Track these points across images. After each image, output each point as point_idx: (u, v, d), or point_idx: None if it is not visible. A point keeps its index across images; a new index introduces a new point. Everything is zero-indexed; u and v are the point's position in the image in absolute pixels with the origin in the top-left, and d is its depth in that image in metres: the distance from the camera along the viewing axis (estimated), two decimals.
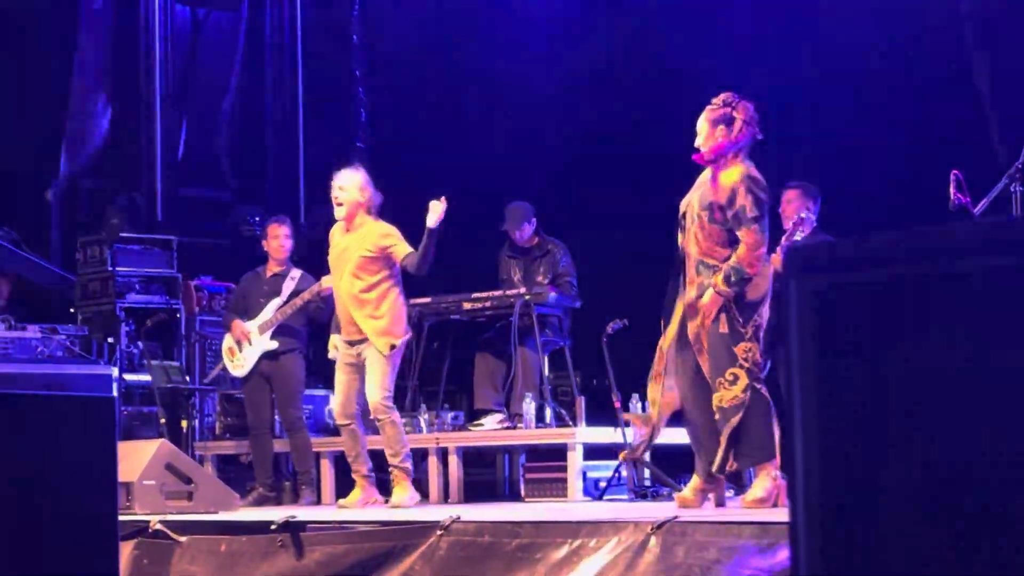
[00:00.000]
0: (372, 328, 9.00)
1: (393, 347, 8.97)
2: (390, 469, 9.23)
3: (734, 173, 7.17)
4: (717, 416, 7.14)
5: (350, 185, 9.16)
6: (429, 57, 13.95)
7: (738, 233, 7.12)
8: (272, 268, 10.53)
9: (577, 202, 12.35)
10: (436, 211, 8.83)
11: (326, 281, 9.73)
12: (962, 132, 10.22)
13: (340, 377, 9.20)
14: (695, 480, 7.50)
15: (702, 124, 7.30)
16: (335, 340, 9.28)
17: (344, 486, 10.61)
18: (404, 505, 9.02)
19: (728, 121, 7.24)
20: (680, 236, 7.39)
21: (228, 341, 10.53)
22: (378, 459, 9.49)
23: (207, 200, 14.50)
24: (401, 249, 9.03)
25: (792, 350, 2.31)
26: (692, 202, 7.29)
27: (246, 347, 10.37)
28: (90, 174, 14.08)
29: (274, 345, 10.28)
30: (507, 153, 13.32)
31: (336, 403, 9.38)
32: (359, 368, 9.08)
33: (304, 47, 15.01)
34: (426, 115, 13.77)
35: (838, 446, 2.24)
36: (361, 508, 9.03)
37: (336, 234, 9.29)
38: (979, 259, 2.08)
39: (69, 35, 14.04)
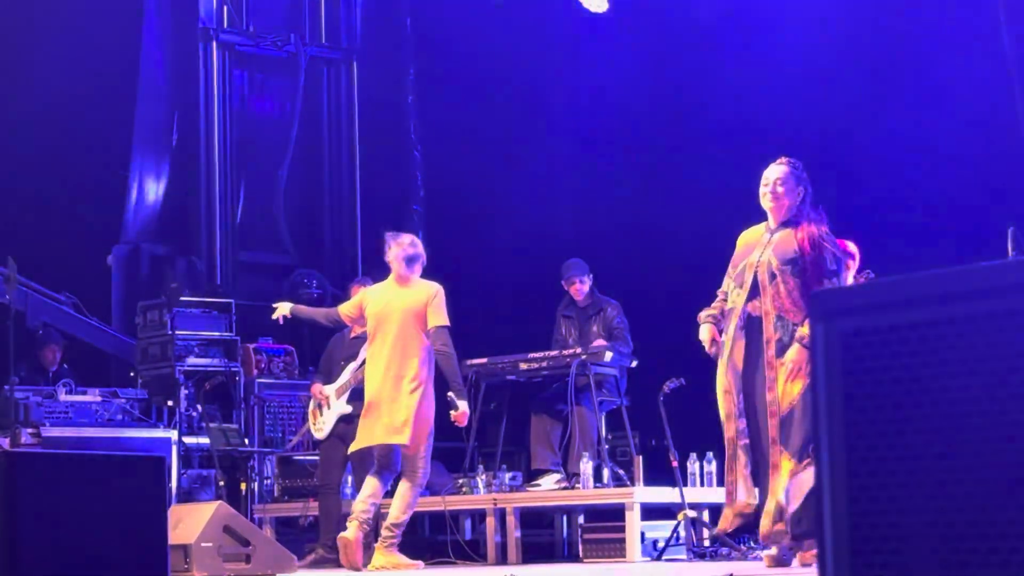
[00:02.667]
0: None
1: None
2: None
3: (814, 228, 7.21)
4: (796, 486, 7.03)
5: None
6: (484, 121, 14.02)
7: (825, 284, 7.12)
8: (355, 330, 10.50)
9: (632, 261, 12.35)
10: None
11: None
12: (1017, 185, 10.16)
13: None
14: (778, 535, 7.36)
15: (785, 177, 7.32)
16: None
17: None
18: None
19: (805, 183, 7.35)
20: (736, 295, 7.34)
21: (312, 404, 10.57)
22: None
23: (266, 264, 14.58)
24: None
25: (819, 394, 2.29)
26: (765, 260, 7.26)
27: (325, 410, 10.40)
28: (150, 239, 14.19)
29: (348, 409, 10.26)
30: (564, 214, 13.36)
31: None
32: None
33: (360, 110, 15.11)
34: (481, 178, 13.82)
35: (866, 491, 2.21)
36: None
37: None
38: (1002, 300, 2.06)
39: (128, 101, 14.19)
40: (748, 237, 7.51)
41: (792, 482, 7.07)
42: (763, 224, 7.47)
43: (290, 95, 14.77)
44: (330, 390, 10.38)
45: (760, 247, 7.35)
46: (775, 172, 7.40)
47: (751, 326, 7.30)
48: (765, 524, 7.22)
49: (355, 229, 14.89)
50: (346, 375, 10.30)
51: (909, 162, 10.94)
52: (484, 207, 13.70)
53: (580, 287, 10.80)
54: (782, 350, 7.17)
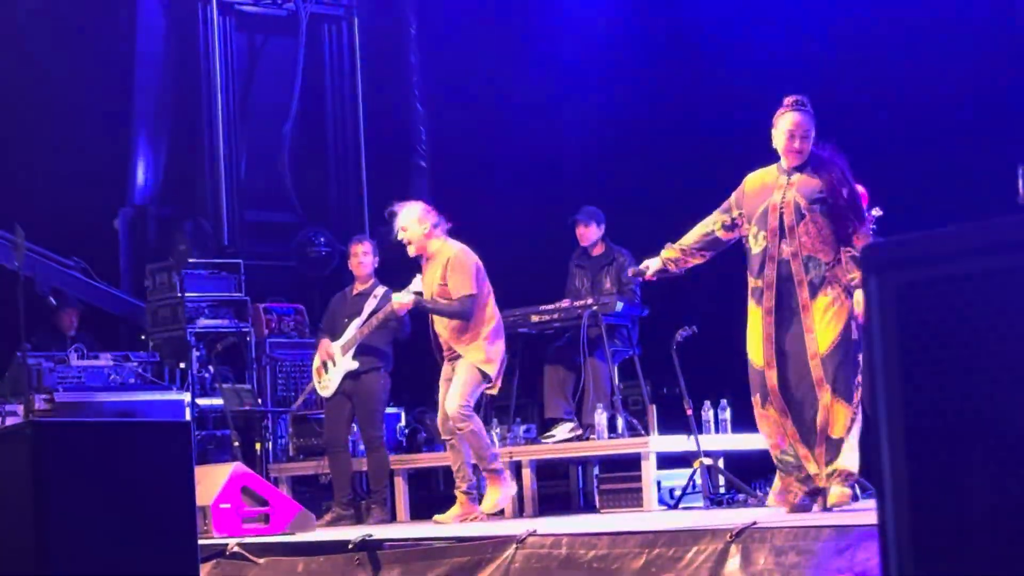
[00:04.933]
0: (466, 351, 9.05)
1: (485, 375, 9.03)
2: (484, 474, 9.27)
3: (838, 167, 7.17)
4: (851, 424, 7.01)
5: (409, 222, 9.19)
6: (488, 72, 13.96)
7: (854, 225, 7.10)
8: (357, 287, 10.53)
9: (642, 210, 12.31)
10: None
11: (396, 299, 9.76)
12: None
13: (441, 392, 9.30)
14: (794, 485, 7.34)
15: (809, 125, 7.27)
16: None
17: (417, 503, 10.65)
18: (497, 506, 9.13)
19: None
20: (761, 239, 7.25)
21: (317, 361, 10.57)
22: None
23: (272, 223, 14.56)
24: (458, 287, 9.05)
25: (875, 347, 2.26)
26: (790, 200, 7.18)
27: (331, 367, 10.39)
28: (156, 201, 14.17)
29: (355, 365, 10.27)
30: (572, 165, 13.31)
31: (438, 419, 9.40)
32: None
33: (363, 66, 15.05)
34: (488, 131, 13.77)
35: (924, 443, 2.19)
36: (455, 523, 9.04)
37: (424, 265, 9.34)
38: None
39: (129, 63, 14.14)
40: (760, 179, 7.41)
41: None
42: (772, 167, 7.40)
43: (291, 53, 14.70)
44: (336, 347, 10.38)
45: (780, 189, 7.26)
46: (801, 122, 7.26)
47: (779, 270, 7.21)
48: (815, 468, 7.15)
49: (360, 186, 14.85)
50: (351, 331, 10.30)
51: (914, 100, 10.89)
52: (490, 160, 13.65)
53: (584, 231, 10.76)
54: (814, 291, 7.10)
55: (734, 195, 7.50)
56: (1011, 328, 2.11)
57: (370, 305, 10.31)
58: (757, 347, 7.26)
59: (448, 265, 9.12)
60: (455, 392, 9.05)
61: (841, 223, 7.15)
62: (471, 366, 9.06)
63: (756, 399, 7.33)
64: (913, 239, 2.30)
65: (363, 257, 10.45)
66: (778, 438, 7.30)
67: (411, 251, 9.24)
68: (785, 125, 7.29)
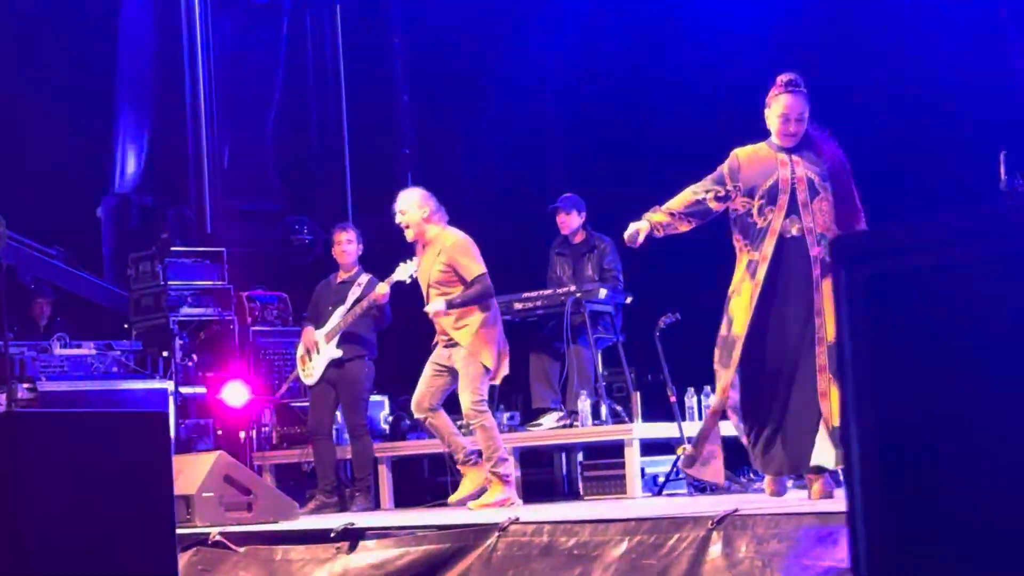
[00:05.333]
0: (462, 336, 8.97)
1: (487, 367, 8.93)
2: (488, 475, 9.10)
3: (836, 152, 7.12)
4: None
5: (408, 205, 9.14)
6: (472, 61, 13.94)
7: (852, 213, 7.07)
8: (341, 275, 10.52)
9: (623, 198, 12.29)
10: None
11: (381, 288, 9.72)
12: (1007, 113, 10.12)
13: (425, 371, 9.18)
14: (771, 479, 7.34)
15: (803, 106, 7.16)
16: None
17: (401, 491, 10.63)
18: (485, 508, 8.76)
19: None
20: (768, 213, 7.18)
21: (301, 349, 10.55)
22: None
23: (256, 211, 14.53)
24: (469, 269, 8.99)
25: (845, 339, 2.26)
26: (802, 176, 7.07)
27: (315, 355, 10.38)
28: (139, 189, 14.14)
29: (339, 353, 10.26)
30: (554, 153, 13.30)
31: (414, 399, 9.26)
32: (447, 370, 9.07)
33: (346, 54, 15.02)
34: (471, 119, 13.75)
35: (895, 435, 2.19)
36: (468, 499, 8.97)
37: (420, 251, 9.27)
38: None
39: (111, 50, 14.11)
40: (754, 153, 7.24)
41: None
42: (762, 144, 7.25)
43: (274, 41, 14.67)
44: (320, 335, 10.36)
45: (784, 165, 7.13)
46: (795, 104, 7.13)
47: (783, 246, 7.08)
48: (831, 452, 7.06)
49: (344, 173, 14.83)
50: (335, 319, 10.29)
51: (893, 90, 10.89)
52: (472, 148, 13.64)
53: (565, 219, 10.76)
54: (825, 270, 6.93)
55: (727, 167, 7.27)
56: (981, 318, 2.10)
57: (354, 293, 10.30)
58: (742, 319, 7.14)
59: (451, 253, 9.05)
60: (465, 389, 8.91)
61: (840, 208, 7.08)
62: (472, 360, 8.93)
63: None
64: (882, 230, 2.29)
65: (347, 245, 10.44)
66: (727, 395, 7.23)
67: (409, 235, 9.18)
68: (779, 108, 7.13)
